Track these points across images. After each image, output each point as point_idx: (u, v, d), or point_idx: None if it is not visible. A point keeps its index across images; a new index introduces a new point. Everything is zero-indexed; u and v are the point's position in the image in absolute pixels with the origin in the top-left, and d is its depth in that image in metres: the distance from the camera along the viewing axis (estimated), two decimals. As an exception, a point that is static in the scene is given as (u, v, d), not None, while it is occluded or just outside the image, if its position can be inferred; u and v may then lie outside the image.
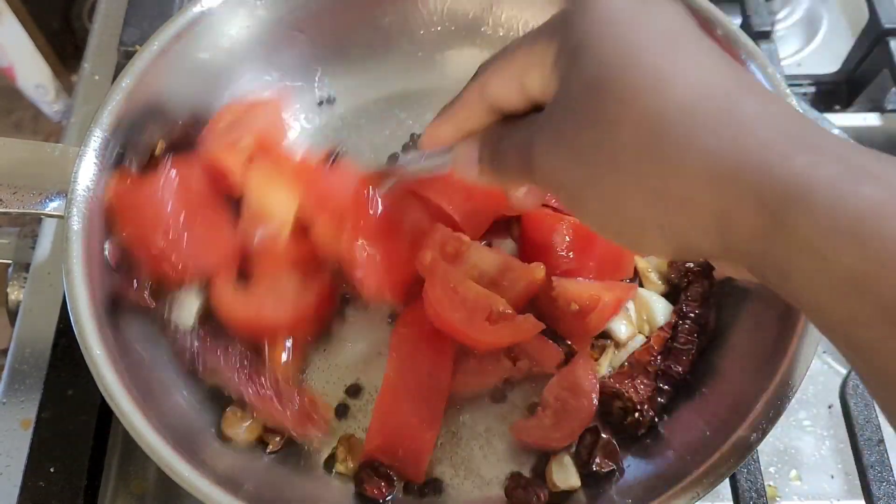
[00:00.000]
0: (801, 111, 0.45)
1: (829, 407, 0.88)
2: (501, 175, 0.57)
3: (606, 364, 0.82)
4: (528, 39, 0.52)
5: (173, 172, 0.79)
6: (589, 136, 0.46)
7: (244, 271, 0.82)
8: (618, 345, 0.83)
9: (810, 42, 1.19)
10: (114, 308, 0.75)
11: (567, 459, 0.78)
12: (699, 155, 0.42)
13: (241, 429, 0.78)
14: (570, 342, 0.83)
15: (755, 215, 0.40)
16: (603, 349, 0.83)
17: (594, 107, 0.45)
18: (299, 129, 0.99)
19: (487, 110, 0.57)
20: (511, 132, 0.55)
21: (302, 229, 0.82)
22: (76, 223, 0.72)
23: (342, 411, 0.82)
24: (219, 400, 0.81)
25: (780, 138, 0.41)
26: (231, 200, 0.83)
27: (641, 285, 0.87)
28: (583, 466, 0.77)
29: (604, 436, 0.78)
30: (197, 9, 0.84)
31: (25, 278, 0.93)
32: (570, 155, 0.47)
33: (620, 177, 0.45)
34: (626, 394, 0.78)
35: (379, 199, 0.80)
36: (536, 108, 0.55)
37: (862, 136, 1.01)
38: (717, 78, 0.44)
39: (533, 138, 0.51)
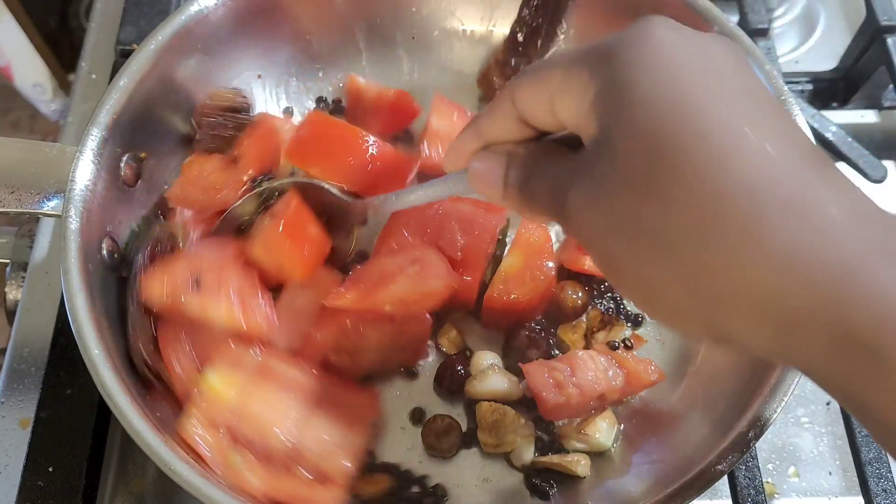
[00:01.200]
0: (875, 203, 0.39)
1: (828, 404, 0.88)
2: (530, 207, 0.51)
3: None
4: (565, 62, 0.46)
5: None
6: (633, 204, 0.40)
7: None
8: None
9: (807, 39, 1.19)
10: (112, 306, 0.75)
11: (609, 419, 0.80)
12: (765, 254, 0.36)
13: None
14: None
15: (829, 334, 0.35)
16: None
17: (643, 173, 0.39)
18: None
19: (516, 121, 0.52)
20: (544, 164, 0.50)
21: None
22: (74, 222, 0.72)
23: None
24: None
25: (864, 246, 0.35)
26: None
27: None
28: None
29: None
30: (194, 7, 0.84)
31: (23, 278, 0.93)
32: (610, 218, 0.42)
33: (665, 259, 0.39)
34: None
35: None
36: (569, 138, 0.51)
37: (860, 134, 1.01)
38: (790, 157, 0.38)
39: (568, 184, 0.45)
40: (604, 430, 0.79)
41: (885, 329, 0.34)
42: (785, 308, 0.36)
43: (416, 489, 0.78)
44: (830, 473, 0.85)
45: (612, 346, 0.82)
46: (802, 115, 0.79)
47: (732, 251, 0.37)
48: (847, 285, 0.35)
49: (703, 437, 0.73)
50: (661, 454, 0.77)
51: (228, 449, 0.69)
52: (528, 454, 0.79)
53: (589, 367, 0.79)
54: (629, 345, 0.84)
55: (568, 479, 0.78)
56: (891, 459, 0.78)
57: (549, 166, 0.49)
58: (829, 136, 0.99)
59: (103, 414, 0.81)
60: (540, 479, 0.78)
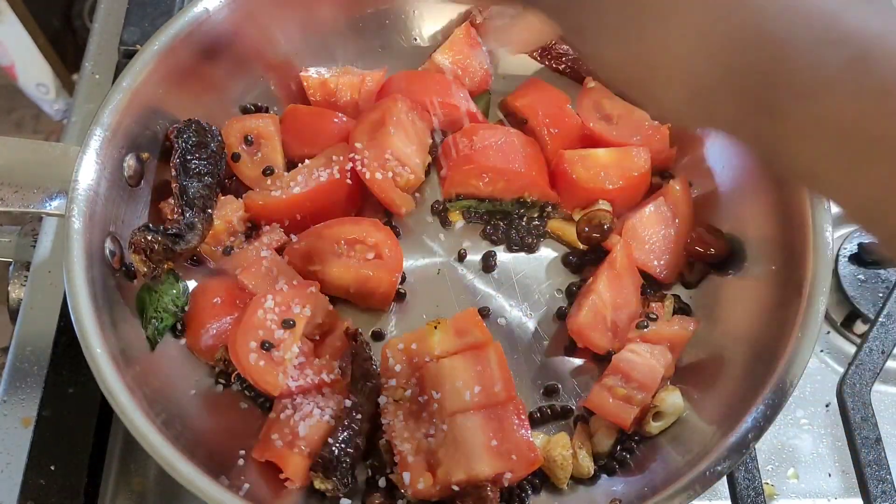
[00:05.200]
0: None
1: (827, 405, 0.88)
2: None
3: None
4: None
5: None
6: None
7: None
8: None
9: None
10: (114, 306, 0.75)
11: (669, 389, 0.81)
12: None
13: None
14: None
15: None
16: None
17: None
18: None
19: None
20: None
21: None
22: (77, 222, 0.72)
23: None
24: (220, 397, 0.82)
25: None
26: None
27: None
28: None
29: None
30: (197, 9, 0.85)
31: (26, 277, 0.94)
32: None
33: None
34: None
35: None
36: None
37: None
38: None
39: None
40: (670, 400, 0.80)
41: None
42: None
43: None
44: (829, 475, 0.85)
45: (642, 327, 0.83)
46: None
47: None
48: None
49: (702, 438, 0.74)
50: (662, 455, 0.77)
51: None
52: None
53: (637, 364, 0.80)
54: (654, 316, 0.85)
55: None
56: (891, 462, 0.78)
57: None
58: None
59: (105, 413, 0.81)
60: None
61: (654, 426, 0.79)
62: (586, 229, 0.90)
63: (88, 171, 0.75)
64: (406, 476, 0.74)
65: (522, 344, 0.87)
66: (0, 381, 0.87)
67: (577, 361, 0.87)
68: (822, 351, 0.92)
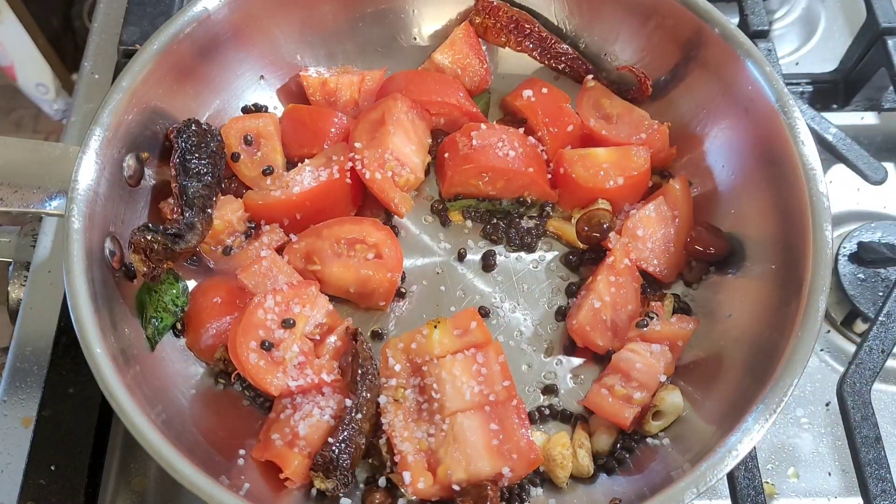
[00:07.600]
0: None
1: (827, 405, 0.88)
2: None
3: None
4: None
5: None
6: None
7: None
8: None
9: (808, 41, 1.19)
10: (114, 306, 0.75)
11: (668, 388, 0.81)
12: None
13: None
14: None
15: None
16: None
17: None
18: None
19: None
20: None
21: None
22: (77, 222, 0.72)
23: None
24: (220, 397, 0.82)
25: None
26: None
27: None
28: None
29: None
30: (197, 9, 0.85)
31: (26, 277, 0.94)
32: None
33: None
34: None
35: None
36: None
37: (860, 135, 1.01)
38: None
39: None
40: (670, 399, 0.80)
41: None
42: None
43: None
44: (830, 474, 0.85)
45: (642, 325, 0.83)
46: (802, 117, 0.80)
47: None
48: None
49: (702, 436, 0.74)
50: (661, 455, 0.78)
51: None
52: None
53: (637, 363, 0.80)
54: (653, 316, 0.85)
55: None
56: (890, 461, 0.78)
57: None
58: (829, 137, 0.99)
59: (105, 413, 0.81)
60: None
61: (653, 425, 0.79)
62: (586, 228, 0.90)
63: (88, 171, 0.75)
64: (406, 475, 0.74)
65: (522, 343, 0.87)
66: (0, 381, 0.87)
67: (577, 361, 0.87)
68: (822, 350, 0.92)
